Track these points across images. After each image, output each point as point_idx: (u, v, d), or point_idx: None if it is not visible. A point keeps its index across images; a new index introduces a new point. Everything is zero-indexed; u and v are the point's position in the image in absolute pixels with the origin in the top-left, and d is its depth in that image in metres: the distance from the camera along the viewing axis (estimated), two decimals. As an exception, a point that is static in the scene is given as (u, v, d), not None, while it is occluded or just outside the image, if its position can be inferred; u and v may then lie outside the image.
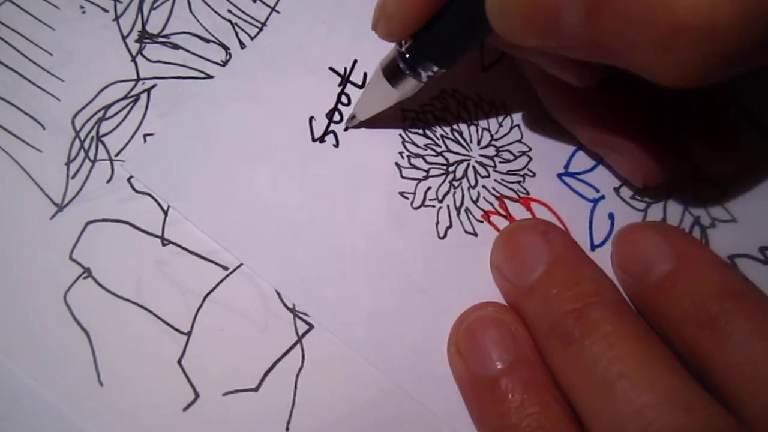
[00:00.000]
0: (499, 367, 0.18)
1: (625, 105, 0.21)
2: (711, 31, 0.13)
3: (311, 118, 0.23)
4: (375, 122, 0.23)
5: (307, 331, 0.21)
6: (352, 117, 0.23)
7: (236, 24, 0.24)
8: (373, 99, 0.22)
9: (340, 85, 0.24)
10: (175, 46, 0.24)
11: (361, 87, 0.24)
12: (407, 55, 0.19)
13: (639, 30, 0.14)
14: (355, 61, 0.24)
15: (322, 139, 0.23)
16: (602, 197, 0.23)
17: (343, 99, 0.24)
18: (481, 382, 0.19)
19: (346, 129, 0.23)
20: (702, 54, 0.14)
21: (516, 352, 0.19)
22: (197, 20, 0.24)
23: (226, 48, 0.24)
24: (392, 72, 0.20)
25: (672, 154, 0.21)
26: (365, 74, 0.24)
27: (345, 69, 0.24)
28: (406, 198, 0.23)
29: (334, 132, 0.23)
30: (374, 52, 0.24)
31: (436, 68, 0.19)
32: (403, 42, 0.19)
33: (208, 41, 0.24)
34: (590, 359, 0.18)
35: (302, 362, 0.20)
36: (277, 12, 0.25)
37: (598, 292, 0.19)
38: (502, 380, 0.18)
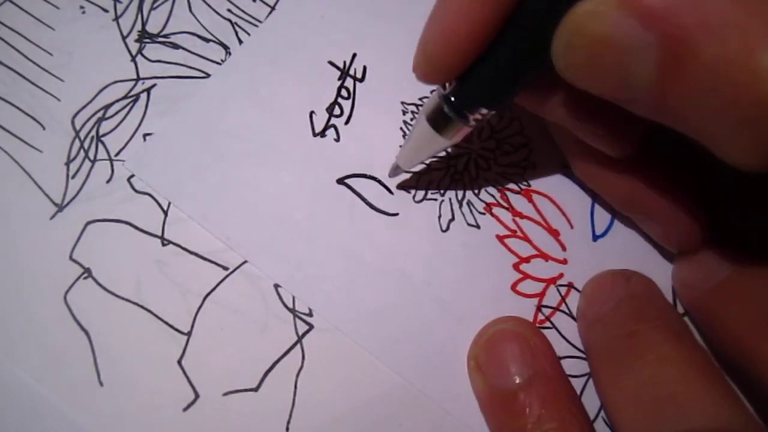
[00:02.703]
0: (518, 381, 0.18)
1: (659, 168, 0.20)
2: None
3: (311, 113, 0.23)
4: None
5: (307, 331, 0.20)
6: (396, 167, 0.21)
7: (236, 23, 0.24)
8: (420, 148, 0.20)
9: (339, 79, 0.24)
10: (175, 46, 0.24)
11: (360, 80, 0.24)
12: (452, 99, 0.17)
13: (718, 102, 0.12)
14: (354, 55, 0.24)
15: (322, 134, 0.23)
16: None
17: (343, 93, 0.23)
18: (500, 396, 0.19)
19: (391, 177, 0.22)
20: None
21: (535, 367, 0.19)
22: (197, 20, 0.24)
23: (225, 47, 0.24)
24: (438, 119, 0.18)
25: (709, 218, 0.20)
26: (365, 67, 0.24)
27: (344, 63, 0.24)
28: (408, 192, 0.22)
29: (334, 126, 0.23)
30: (373, 45, 0.23)
31: (485, 111, 0.17)
32: (446, 84, 0.18)
33: (207, 41, 0.24)
34: (642, 380, 0.17)
35: (302, 362, 0.20)
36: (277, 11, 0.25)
37: (659, 317, 0.19)
38: (520, 394, 0.18)
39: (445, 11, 0.16)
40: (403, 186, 0.22)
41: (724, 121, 0.12)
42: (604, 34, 0.13)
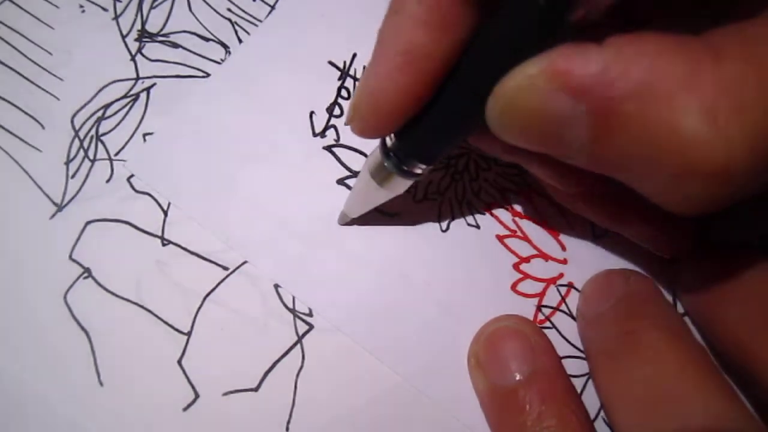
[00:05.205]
0: (518, 378, 0.19)
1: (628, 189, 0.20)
2: (725, 173, 0.12)
3: (312, 113, 0.23)
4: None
5: (307, 331, 0.20)
6: (344, 215, 0.21)
7: (236, 23, 0.24)
8: (363, 198, 0.20)
9: (339, 79, 0.24)
10: (175, 45, 0.24)
11: (360, 81, 0.24)
12: (391, 153, 0.17)
13: (648, 162, 0.13)
14: (355, 55, 0.24)
15: (323, 134, 0.23)
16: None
17: (343, 93, 0.23)
18: (500, 393, 0.19)
19: (340, 224, 0.22)
20: (714, 192, 0.13)
21: (535, 364, 0.19)
22: (197, 19, 0.24)
23: (225, 47, 0.24)
24: (379, 171, 0.18)
25: (692, 225, 0.20)
26: (365, 68, 0.24)
27: (344, 63, 0.24)
28: (408, 192, 0.22)
29: (334, 126, 0.23)
30: (374, 45, 0.23)
31: (423, 166, 0.17)
32: (387, 138, 0.17)
33: (207, 40, 0.24)
34: (639, 378, 0.18)
35: (302, 362, 0.20)
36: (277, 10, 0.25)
37: (657, 315, 0.19)
38: (521, 392, 0.18)
39: (377, 73, 0.16)
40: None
41: (654, 179, 0.13)
42: (535, 107, 0.13)
